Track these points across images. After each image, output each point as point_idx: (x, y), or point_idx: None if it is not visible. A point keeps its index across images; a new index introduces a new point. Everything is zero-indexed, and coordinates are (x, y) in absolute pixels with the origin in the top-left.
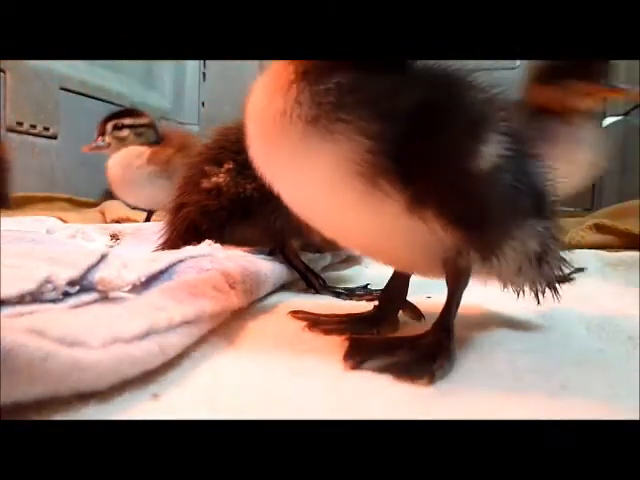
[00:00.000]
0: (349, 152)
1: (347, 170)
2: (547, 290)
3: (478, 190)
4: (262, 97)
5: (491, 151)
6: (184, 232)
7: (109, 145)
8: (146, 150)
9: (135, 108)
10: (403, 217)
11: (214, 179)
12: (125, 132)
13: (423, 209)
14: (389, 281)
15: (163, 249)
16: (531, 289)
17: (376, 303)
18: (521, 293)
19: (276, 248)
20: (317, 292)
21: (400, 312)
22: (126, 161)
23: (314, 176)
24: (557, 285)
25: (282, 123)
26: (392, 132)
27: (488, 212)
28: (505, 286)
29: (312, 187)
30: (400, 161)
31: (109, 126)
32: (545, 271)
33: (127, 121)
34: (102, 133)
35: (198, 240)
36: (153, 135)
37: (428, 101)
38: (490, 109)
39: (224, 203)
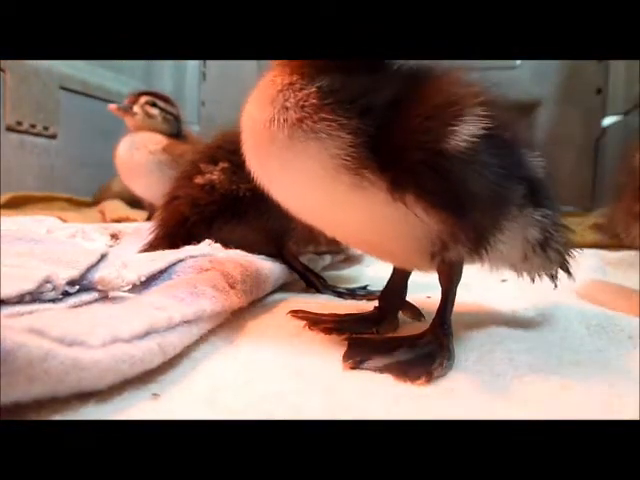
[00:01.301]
0: (333, 148)
1: (333, 165)
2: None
3: (453, 170)
4: (253, 109)
5: (464, 132)
6: (173, 225)
7: (135, 115)
8: (163, 139)
9: (169, 96)
10: (389, 205)
11: (208, 176)
12: (156, 111)
13: (403, 193)
14: (388, 282)
15: (152, 244)
16: (544, 274)
17: (376, 303)
18: (536, 278)
19: (276, 251)
20: (319, 292)
21: (400, 312)
22: (142, 143)
23: (303, 174)
24: (569, 267)
25: (271, 129)
26: (369, 125)
27: (467, 193)
28: (519, 274)
29: (303, 185)
30: (379, 150)
31: (143, 99)
32: (552, 256)
33: (161, 103)
34: (133, 102)
35: (186, 233)
36: (176, 127)
37: (400, 91)
38: (462, 94)
39: (216, 198)
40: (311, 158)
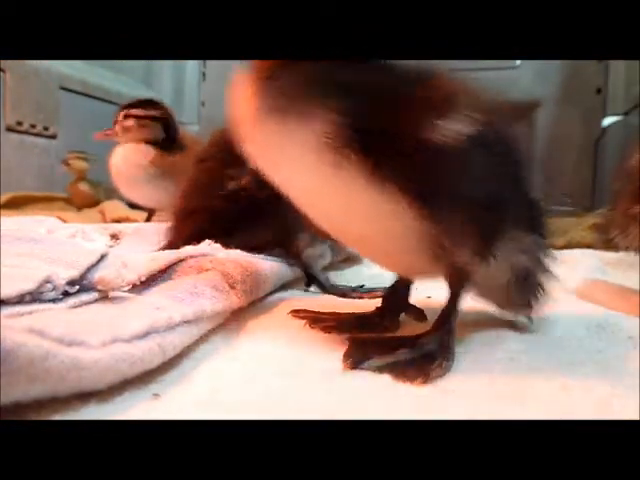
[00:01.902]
0: (318, 125)
1: (317, 142)
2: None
3: (436, 163)
4: (235, 107)
5: (451, 127)
6: (189, 238)
7: (116, 133)
8: (150, 150)
9: (153, 99)
10: (370, 192)
11: (235, 182)
12: (130, 122)
13: (384, 179)
14: (393, 283)
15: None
16: (522, 305)
17: (377, 303)
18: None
19: (284, 249)
20: (324, 290)
21: (403, 315)
22: (129, 157)
23: (291, 156)
24: (544, 302)
25: (256, 118)
26: (353, 107)
27: (452, 192)
28: (499, 305)
29: (292, 168)
30: (362, 132)
31: (121, 115)
32: (533, 288)
33: (134, 111)
34: (115, 121)
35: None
36: (160, 131)
37: (388, 81)
38: (455, 92)
39: (242, 206)
40: (295, 137)
